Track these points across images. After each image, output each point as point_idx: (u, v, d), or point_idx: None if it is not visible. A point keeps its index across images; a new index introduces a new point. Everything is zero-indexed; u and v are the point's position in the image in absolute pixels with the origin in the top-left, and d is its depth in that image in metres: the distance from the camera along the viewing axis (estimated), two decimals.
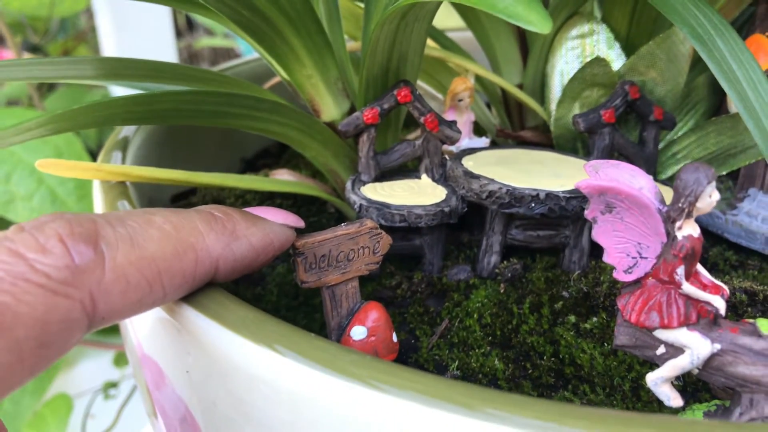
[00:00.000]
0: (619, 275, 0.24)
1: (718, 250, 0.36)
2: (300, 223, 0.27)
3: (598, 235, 0.24)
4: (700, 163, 0.22)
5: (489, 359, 0.29)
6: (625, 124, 0.38)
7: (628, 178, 0.23)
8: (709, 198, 0.22)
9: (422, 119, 0.32)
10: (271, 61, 0.32)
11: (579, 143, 0.38)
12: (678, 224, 0.22)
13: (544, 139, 0.40)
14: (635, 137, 0.38)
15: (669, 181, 0.38)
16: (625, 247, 0.24)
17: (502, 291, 0.32)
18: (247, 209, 0.26)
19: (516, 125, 0.41)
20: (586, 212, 0.24)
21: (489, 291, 0.32)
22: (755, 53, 0.33)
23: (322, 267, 0.27)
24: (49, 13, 0.77)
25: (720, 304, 0.23)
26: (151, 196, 0.35)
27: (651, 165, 0.36)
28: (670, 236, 0.23)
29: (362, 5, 0.39)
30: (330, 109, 0.34)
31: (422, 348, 0.30)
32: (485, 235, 0.33)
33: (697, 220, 0.29)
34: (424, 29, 0.31)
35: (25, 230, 0.20)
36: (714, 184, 0.22)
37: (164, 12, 0.82)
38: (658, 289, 0.23)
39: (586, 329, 0.30)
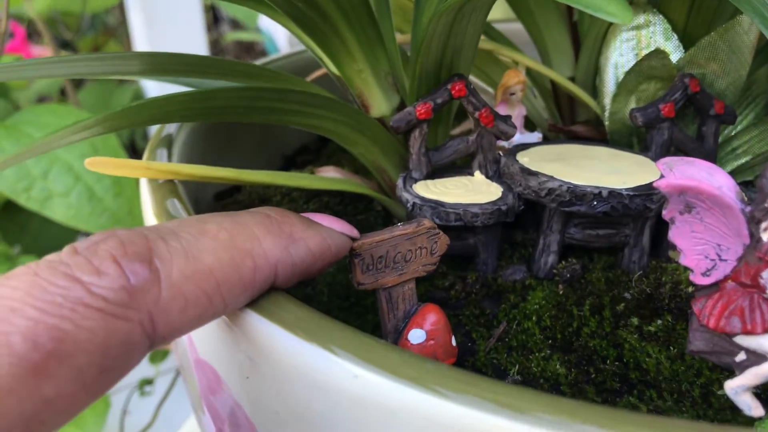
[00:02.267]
0: (697, 278, 0.23)
1: None
2: (354, 233, 0.26)
3: (676, 236, 0.23)
4: None
5: (550, 363, 0.28)
6: (682, 119, 0.36)
7: (706, 176, 0.22)
8: None
9: (477, 114, 0.31)
10: (321, 55, 0.32)
11: (634, 138, 0.37)
12: (763, 225, 0.21)
13: (596, 134, 0.38)
14: (693, 131, 0.36)
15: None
16: (703, 248, 0.23)
17: (560, 292, 0.31)
18: (303, 214, 0.25)
19: (567, 119, 0.40)
20: (663, 213, 0.23)
21: (546, 292, 0.31)
22: None
23: (379, 268, 0.26)
24: (82, 8, 0.77)
25: None
26: (197, 194, 0.35)
27: (710, 161, 0.35)
28: (754, 238, 0.21)
29: None
30: (380, 104, 0.33)
31: (479, 351, 0.29)
32: (542, 234, 0.32)
33: None
34: (480, 21, 0.30)
35: (78, 253, 0.19)
36: None
37: (195, 6, 0.82)
38: (739, 293, 0.22)
39: (651, 332, 0.28)
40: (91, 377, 0.18)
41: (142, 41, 0.78)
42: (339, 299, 0.31)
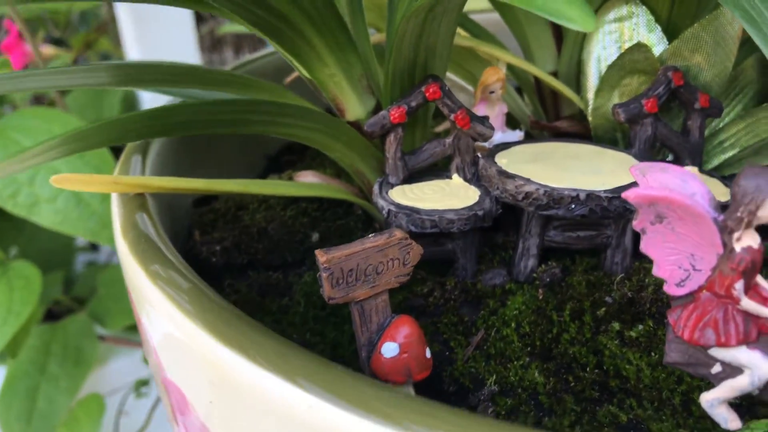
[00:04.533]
0: (670, 288, 0.22)
1: None
2: None
3: (648, 246, 0.22)
4: (761, 167, 0.20)
5: (528, 372, 0.27)
6: (667, 112, 0.35)
7: (679, 183, 0.22)
8: None
9: (452, 116, 0.31)
10: (292, 60, 0.31)
11: (618, 133, 0.36)
12: (736, 235, 0.20)
13: (581, 128, 0.38)
14: (678, 125, 0.35)
15: (715, 171, 0.35)
16: (677, 258, 0.22)
17: (540, 297, 0.30)
18: None
19: (551, 114, 0.39)
20: (633, 223, 0.22)
21: (526, 297, 0.30)
22: None
23: (350, 282, 0.25)
24: (68, 7, 0.76)
25: None
26: (171, 203, 0.34)
27: (696, 155, 0.34)
28: (727, 248, 0.21)
29: None
30: (354, 107, 0.32)
31: (457, 360, 0.28)
32: (521, 237, 0.31)
33: None
34: (453, 20, 0.29)
35: None
36: None
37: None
38: (713, 303, 0.22)
39: (632, 338, 0.28)
40: None
41: (130, 37, 0.77)
42: (315, 309, 0.31)
